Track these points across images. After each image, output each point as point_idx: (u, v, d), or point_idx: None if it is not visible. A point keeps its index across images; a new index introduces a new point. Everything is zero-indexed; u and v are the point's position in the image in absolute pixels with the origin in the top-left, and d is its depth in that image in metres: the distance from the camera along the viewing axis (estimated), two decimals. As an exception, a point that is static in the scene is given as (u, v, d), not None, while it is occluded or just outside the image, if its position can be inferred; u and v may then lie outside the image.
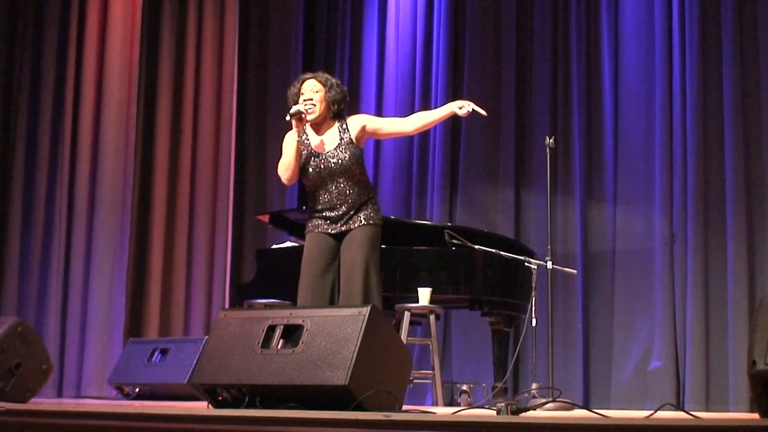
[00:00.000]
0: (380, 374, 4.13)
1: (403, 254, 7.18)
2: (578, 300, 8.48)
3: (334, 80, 5.69)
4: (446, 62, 9.43)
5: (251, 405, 4.12)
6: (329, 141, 5.60)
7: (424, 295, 6.92)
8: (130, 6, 9.41)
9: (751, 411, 7.16)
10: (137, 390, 7.63)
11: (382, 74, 9.89)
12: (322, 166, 5.52)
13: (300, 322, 4.23)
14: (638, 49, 8.61)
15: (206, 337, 6.33)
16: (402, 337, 6.67)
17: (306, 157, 5.54)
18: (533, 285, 6.48)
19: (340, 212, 5.51)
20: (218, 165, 9.70)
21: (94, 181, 9.12)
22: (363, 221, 5.54)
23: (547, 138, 6.57)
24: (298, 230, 7.66)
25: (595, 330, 8.49)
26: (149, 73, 9.45)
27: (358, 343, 4.03)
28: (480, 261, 7.10)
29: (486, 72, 9.30)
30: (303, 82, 5.65)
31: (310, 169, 5.53)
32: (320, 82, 5.63)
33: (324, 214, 5.54)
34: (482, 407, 5.11)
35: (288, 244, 7.71)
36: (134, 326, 9.00)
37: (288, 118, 5.53)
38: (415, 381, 7.56)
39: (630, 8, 8.70)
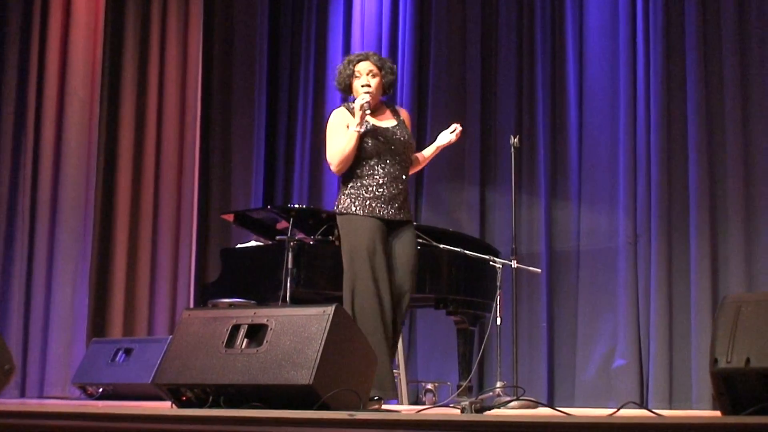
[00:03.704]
0: (345, 373, 4.13)
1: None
2: (543, 299, 8.52)
3: (387, 62, 5.49)
4: (412, 64, 9.44)
5: (215, 405, 4.10)
6: (386, 120, 5.45)
7: (389, 294, 6.91)
8: (94, 4, 9.34)
9: (714, 408, 7.19)
10: (101, 390, 7.59)
11: (348, 75, 9.86)
12: (382, 139, 5.33)
13: (264, 321, 4.22)
14: (603, 49, 8.65)
15: (170, 336, 6.31)
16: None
17: (363, 134, 5.30)
18: (498, 284, 6.50)
19: (393, 192, 5.32)
20: (182, 164, 9.66)
21: (56, 181, 9.03)
22: (411, 218, 5.48)
23: (512, 137, 6.57)
24: (262, 229, 7.64)
25: (560, 328, 8.52)
26: (113, 72, 9.40)
27: (323, 343, 4.01)
28: (445, 260, 7.09)
29: (451, 73, 9.31)
30: (357, 62, 5.41)
31: (369, 142, 5.30)
32: (375, 65, 5.41)
33: (378, 191, 5.30)
34: (447, 406, 5.11)
35: (252, 243, 7.69)
36: (98, 326, 8.94)
37: (369, 110, 5.25)
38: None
39: (595, 8, 8.74)
